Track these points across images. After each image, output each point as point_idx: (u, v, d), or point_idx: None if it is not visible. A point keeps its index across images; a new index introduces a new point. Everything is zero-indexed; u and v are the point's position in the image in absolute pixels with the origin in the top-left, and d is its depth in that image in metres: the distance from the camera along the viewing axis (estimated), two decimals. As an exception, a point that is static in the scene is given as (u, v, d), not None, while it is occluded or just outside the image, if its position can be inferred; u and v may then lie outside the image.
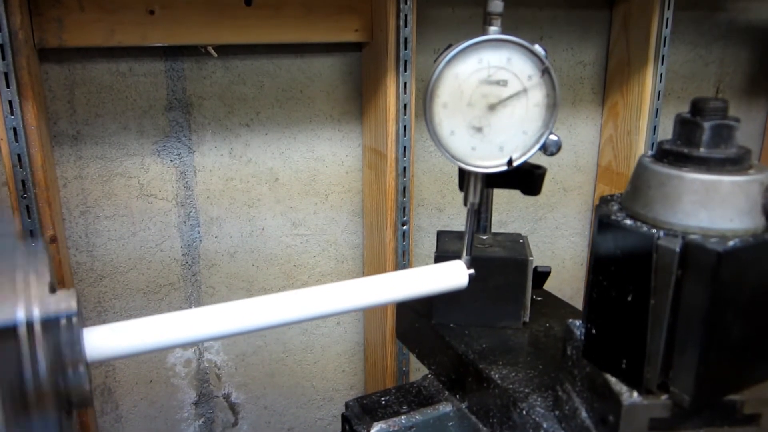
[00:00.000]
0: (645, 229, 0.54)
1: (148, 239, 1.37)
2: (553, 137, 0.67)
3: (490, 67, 0.64)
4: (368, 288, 0.67)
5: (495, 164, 0.67)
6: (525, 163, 0.68)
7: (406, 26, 1.28)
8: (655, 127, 1.64)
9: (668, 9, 1.53)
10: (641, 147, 1.65)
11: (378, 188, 1.43)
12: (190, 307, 1.43)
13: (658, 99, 1.61)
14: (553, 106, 0.65)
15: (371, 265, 1.54)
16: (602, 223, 0.57)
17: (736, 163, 0.54)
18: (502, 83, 0.64)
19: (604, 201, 0.60)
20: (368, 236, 1.53)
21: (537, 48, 0.64)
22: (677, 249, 0.51)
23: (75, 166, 1.27)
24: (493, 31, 0.64)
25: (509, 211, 1.75)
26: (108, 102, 1.27)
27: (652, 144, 1.65)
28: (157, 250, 1.38)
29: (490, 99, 0.65)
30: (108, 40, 1.18)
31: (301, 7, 1.30)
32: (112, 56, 1.25)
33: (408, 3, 1.27)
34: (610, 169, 1.77)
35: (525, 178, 0.69)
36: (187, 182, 1.37)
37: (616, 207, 0.59)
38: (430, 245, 1.64)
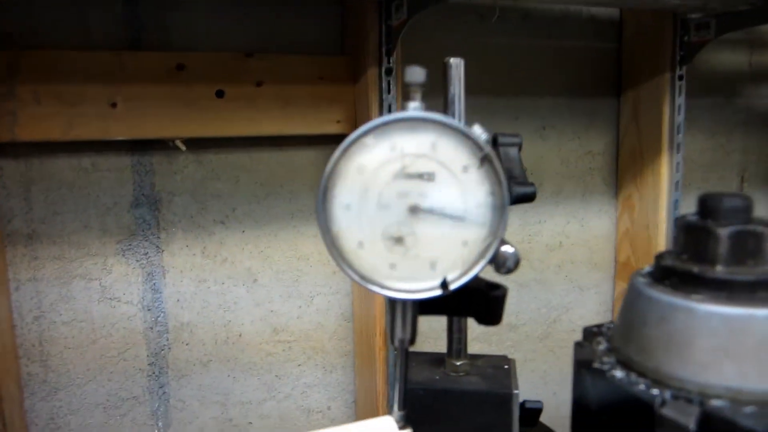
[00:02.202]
0: (642, 386, 0.38)
1: (110, 347, 1.25)
2: (506, 248, 0.51)
3: (407, 155, 0.50)
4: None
5: (424, 287, 0.51)
6: (477, 281, 0.52)
7: (389, 116, 1.18)
8: (675, 220, 1.49)
9: (679, 95, 1.42)
10: (661, 241, 1.50)
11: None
12: (157, 424, 1.29)
13: (677, 190, 1.47)
14: (500, 207, 0.50)
15: (363, 375, 1.38)
16: (581, 371, 0.42)
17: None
18: (427, 177, 0.50)
19: (588, 335, 0.46)
20: (359, 343, 1.39)
21: (474, 130, 0.50)
22: (691, 426, 0.34)
23: (29, 267, 1.17)
24: (413, 108, 0.51)
25: (518, 312, 1.59)
26: (68, 199, 1.18)
27: (675, 239, 1.50)
28: (119, 359, 1.25)
29: (411, 198, 0.50)
30: (66, 134, 1.10)
31: (278, 98, 1.22)
32: (73, 151, 1.17)
33: (391, 92, 1.18)
34: (629, 266, 1.61)
35: (476, 302, 0.54)
36: (154, 284, 1.26)
37: (602, 347, 0.44)
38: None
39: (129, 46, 1.18)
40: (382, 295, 0.51)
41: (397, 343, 0.55)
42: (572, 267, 1.63)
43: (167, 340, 1.28)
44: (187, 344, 1.29)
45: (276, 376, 1.37)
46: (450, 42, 1.36)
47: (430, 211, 0.51)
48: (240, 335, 1.33)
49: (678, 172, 1.47)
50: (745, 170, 1.75)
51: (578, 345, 0.44)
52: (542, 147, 1.53)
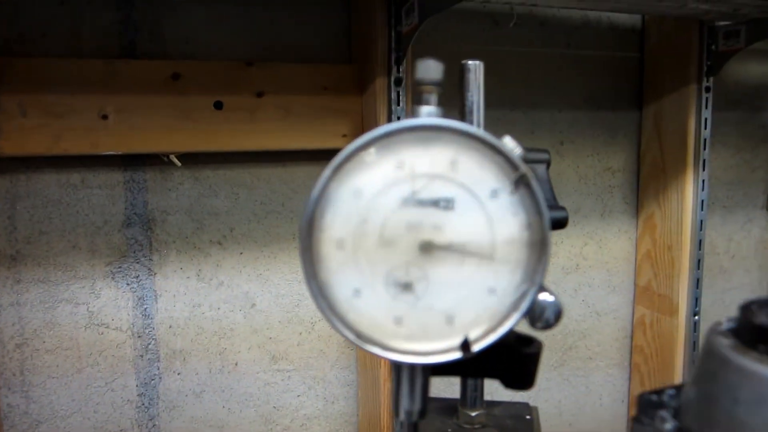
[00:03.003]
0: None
1: (97, 377, 1.16)
2: (546, 297, 0.40)
3: (418, 176, 0.39)
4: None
5: (439, 348, 0.40)
6: (507, 335, 0.41)
7: (398, 129, 1.10)
8: (700, 241, 1.41)
9: (706, 108, 1.33)
10: (685, 264, 1.41)
11: (371, 316, 1.21)
12: (147, 459, 1.20)
13: (702, 209, 1.38)
14: (539, 245, 0.40)
15: (366, 406, 1.29)
16: None
17: None
18: (444, 205, 0.39)
19: (646, 407, 0.36)
20: (362, 372, 1.30)
21: (506, 143, 0.40)
22: None
23: (12, 291, 1.09)
24: (427, 114, 0.40)
25: (533, 338, 1.50)
26: (55, 217, 1.10)
27: (698, 261, 1.42)
28: (107, 389, 1.17)
29: (424, 232, 0.40)
30: (53, 148, 1.03)
31: (280, 110, 1.14)
32: (61, 166, 1.09)
33: (401, 104, 1.11)
34: (650, 290, 1.52)
35: (503, 361, 0.43)
36: (145, 309, 1.17)
37: (670, 427, 0.33)
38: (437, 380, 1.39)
39: (122, 54, 1.11)
40: (384, 358, 0.41)
41: (403, 416, 0.43)
42: (589, 290, 1.54)
43: (158, 369, 1.19)
44: (179, 373, 1.21)
45: (274, 407, 1.28)
46: (464, 50, 1.28)
47: (448, 249, 0.40)
48: (236, 364, 1.24)
49: (704, 191, 1.38)
50: (772, 188, 1.67)
51: (637, 422, 0.35)
52: (560, 163, 1.45)
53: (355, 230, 0.40)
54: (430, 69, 0.40)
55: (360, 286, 0.40)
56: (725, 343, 0.34)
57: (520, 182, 0.39)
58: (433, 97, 0.40)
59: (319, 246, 0.40)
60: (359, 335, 0.40)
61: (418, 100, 0.40)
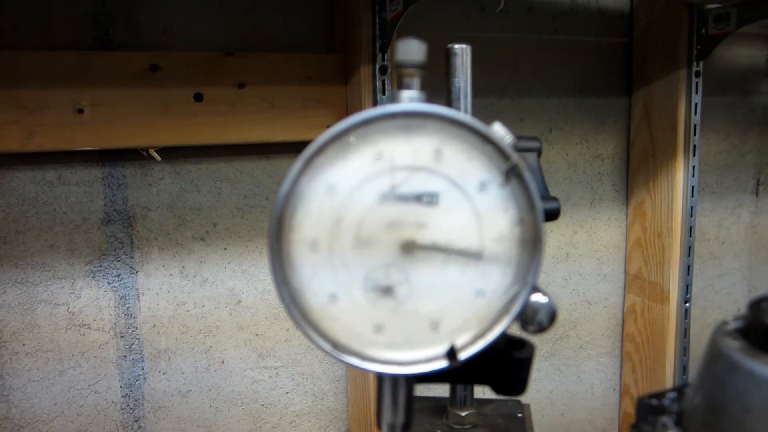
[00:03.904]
0: None
1: (79, 379, 1.13)
2: (539, 298, 0.37)
3: (399, 168, 0.36)
4: None
5: (423, 357, 0.37)
6: (500, 339, 0.38)
7: (384, 119, 1.08)
8: (690, 228, 1.39)
9: (696, 93, 1.31)
10: (675, 251, 1.40)
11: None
12: (133, 461, 1.17)
13: (692, 195, 1.37)
14: (533, 240, 0.37)
15: (356, 402, 1.27)
16: None
17: None
18: (428, 200, 0.36)
19: (645, 412, 0.34)
20: (352, 368, 1.27)
21: (496, 130, 0.36)
22: None
23: (-13, 293, 1.06)
24: (409, 98, 0.36)
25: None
26: (31, 216, 1.07)
27: (689, 248, 1.40)
28: (90, 391, 1.14)
29: (405, 231, 0.36)
30: (26, 145, 0.99)
31: (262, 101, 1.11)
32: (36, 162, 1.06)
33: (387, 93, 1.08)
34: (641, 278, 1.51)
35: (493, 366, 0.40)
36: (128, 308, 1.14)
37: None
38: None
39: (96, 46, 1.07)
40: (363, 370, 0.37)
41: (385, 429, 0.40)
42: (580, 279, 1.53)
43: (142, 369, 1.16)
44: (164, 373, 1.18)
45: (262, 405, 1.26)
46: (450, 37, 1.25)
47: (432, 248, 0.36)
48: (222, 362, 1.21)
49: (694, 177, 1.37)
50: (761, 172, 1.66)
51: (636, 429, 0.33)
52: (549, 151, 1.43)
53: (329, 230, 0.36)
54: (412, 50, 0.36)
55: (336, 291, 0.37)
56: (734, 346, 0.32)
57: (512, 173, 0.36)
58: (416, 81, 0.37)
59: (289, 248, 0.37)
60: (335, 345, 0.37)
61: (399, 84, 0.36)
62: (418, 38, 0.37)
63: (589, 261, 1.52)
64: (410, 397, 0.40)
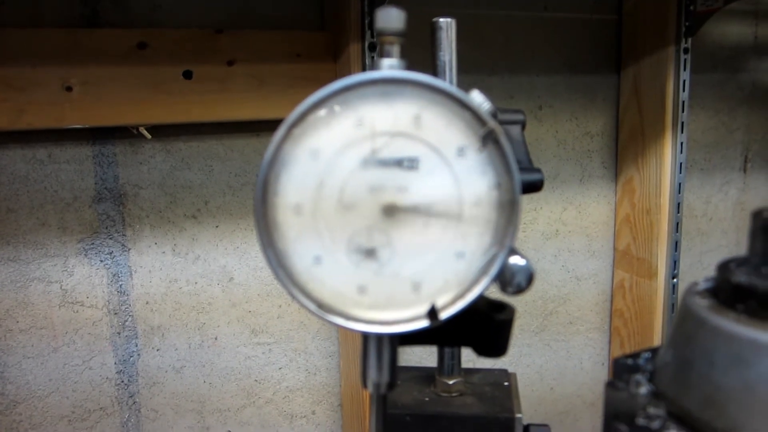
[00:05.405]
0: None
1: (74, 355, 1.14)
2: (517, 260, 0.38)
3: (380, 133, 0.37)
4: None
5: (405, 317, 0.38)
6: (476, 301, 0.39)
7: (373, 96, 1.08)
8: (678, 204, 1.41)
9: (684, 70, 1.32)
10: (664, 227, 1.41)
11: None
12: (128, 436, 1.19)
13: (680, 172, 1.38)
14: (509, 205, 0.38)
15: (348, 377, 1.29)
16: (618, 428, 0.31)
17: None
18: (408, 164, 0.37)
19: (621, 371, 0.35)
20: (344, 342, 1.29)
21: (474, 97, 0.37)
22: None
23: (-20, 271, 1.06)
24: (389, 66, 0.37)
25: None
26: (22, 194, 1.07)
27: (677, 224, 1.42)
28: (84, 368, 1.15)
29: (387, 194, 0.37)
30: (15, 123, 0.99)
31: (252, 79, 1.11)
32: (26, 141, 1.06)
33: (376, 70, 1.08)
34: (629, 254, 1.53)
35: (474, 329, 0.42)
36: (120, 286, 1.15)
37: (645, 391, 0.32)
38: (416, 350, 1.39)
39: (85, 24, 1.07)
40: (347, 329, 0.39)
41: (371, 388, 0.41)
42: (569, 256, 1.55)
43: (136, 345, 1.18)
44: (158, 350, 1.19)
45: (255, 380, 1.27)
46: (439, 13, 1.25)
47: (413, 211, 0.37)
48: (215, 338, 1.23)
49: (682, 153, 1.38)
50: (749, 149, 1.67)
51: (611, 386, 0.34)
52: (538, 128, 1.43)
53: (313, 194, 0.38)
54: (392, 18, 0.37)
55: (320, 253, 0.38)
56: (702, 304, 0.33)
57: (488, 138, 0.37)
58: (396, 49, 0.38)
59: (275, 212, 0.38)
60: (321, 305, 0.38)
61: (380, 52, 0.38)
62: (397, 7, 0.38)
63: (578, 238, 1.54)
64: (394, 357, 0.41)
